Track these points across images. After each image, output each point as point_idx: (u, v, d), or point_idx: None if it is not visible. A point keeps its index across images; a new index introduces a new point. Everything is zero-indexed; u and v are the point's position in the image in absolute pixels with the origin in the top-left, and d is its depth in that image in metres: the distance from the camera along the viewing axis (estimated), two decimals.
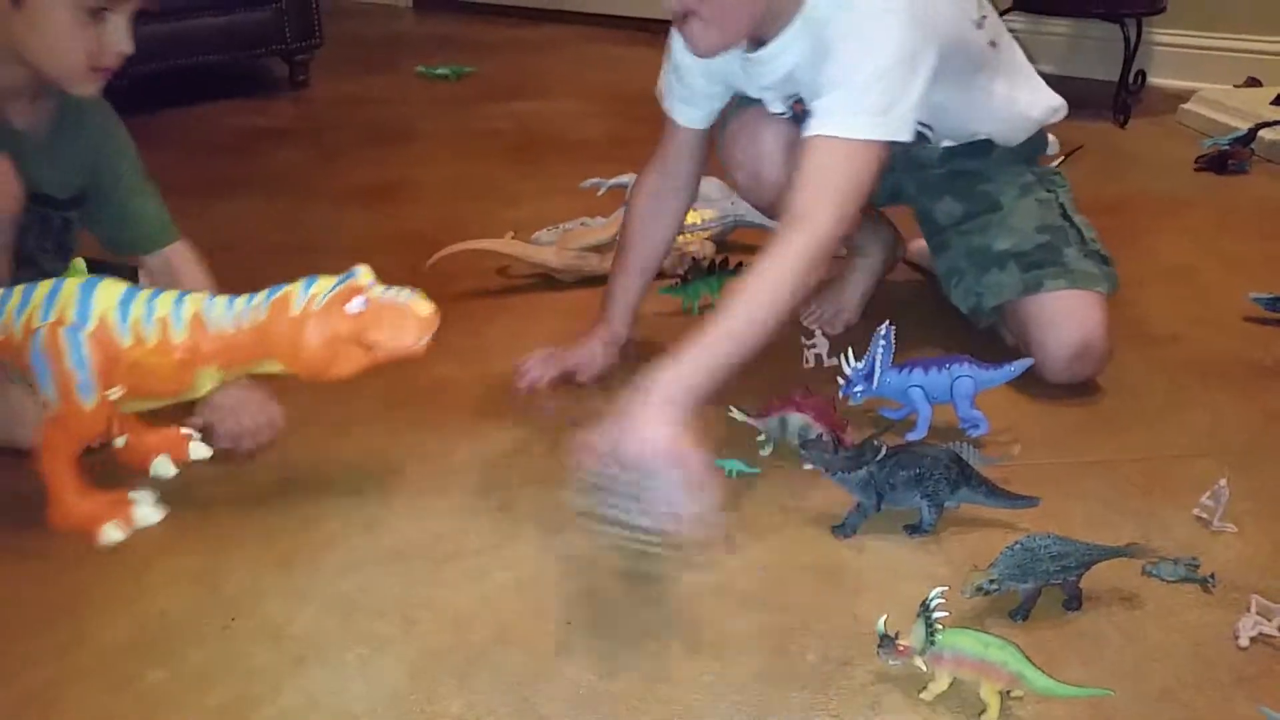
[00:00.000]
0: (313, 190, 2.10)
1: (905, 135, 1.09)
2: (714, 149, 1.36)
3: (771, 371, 1.32)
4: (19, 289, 1.02)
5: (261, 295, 1.00)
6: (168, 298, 1.01)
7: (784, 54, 1.16)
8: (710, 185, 1.65)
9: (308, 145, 2.44)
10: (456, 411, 1.26)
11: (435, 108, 2.76)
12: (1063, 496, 1.05)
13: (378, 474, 1.13)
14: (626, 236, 1.35)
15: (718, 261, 1.56)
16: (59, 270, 1.20)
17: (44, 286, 1.01)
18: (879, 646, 0.80)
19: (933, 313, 1.43)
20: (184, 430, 1.15)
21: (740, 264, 1.54)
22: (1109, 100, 2.52)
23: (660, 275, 1.55)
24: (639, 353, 1.37)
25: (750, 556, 0.99)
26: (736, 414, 1.13)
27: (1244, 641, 0.87)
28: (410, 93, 2.95)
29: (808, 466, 1.06)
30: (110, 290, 1.00)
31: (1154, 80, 2.72)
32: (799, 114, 1.23)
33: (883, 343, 1.11)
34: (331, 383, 1.00)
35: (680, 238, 1.65)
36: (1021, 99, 1.33)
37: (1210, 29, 2.71)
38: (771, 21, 1.14)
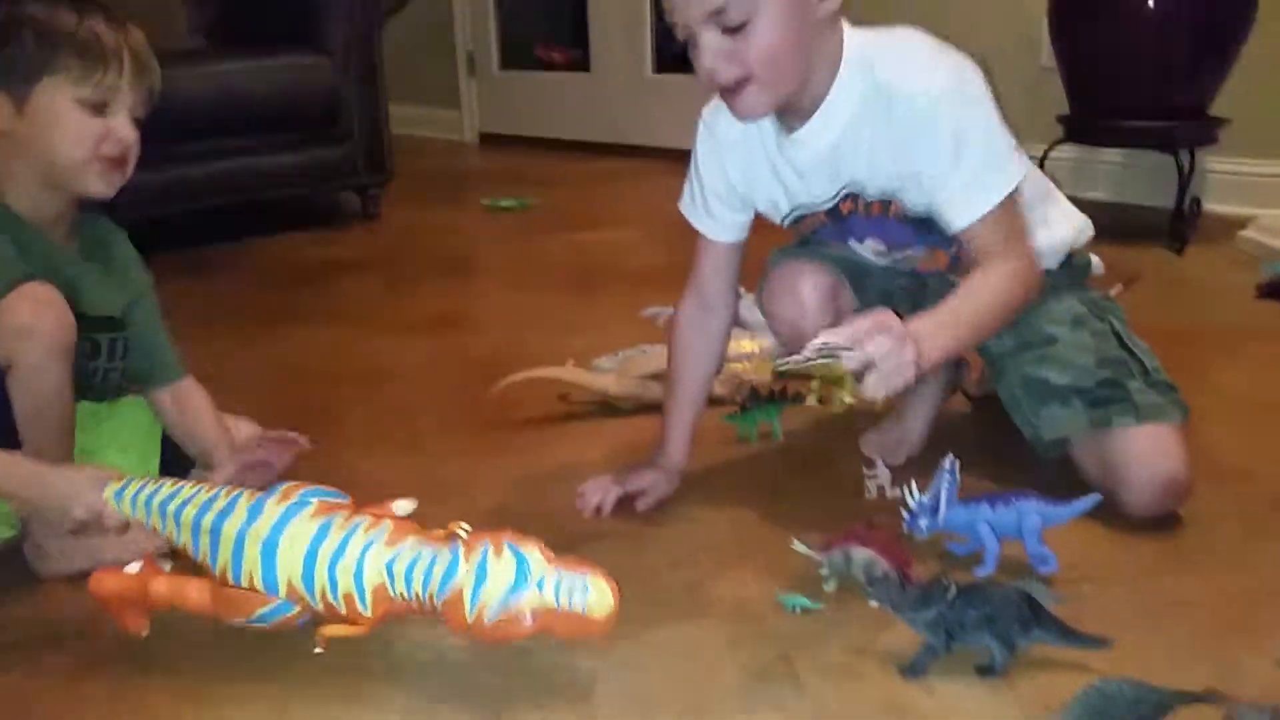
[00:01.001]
0: (380, 319, 2.17)
1: (1021, 169, 1.19)
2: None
3: (833, 502, 1.32)
4: (198, 499, 1.02)
5: (435, 579, 0.94)
6: (349, 564, 0.96)
7: (831, 122, 1.18)
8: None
9: (376, 275, 2.53)
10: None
11: (499, 238, 2.86)
12: (1137, 637, 1.02)
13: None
14: (672, 367, 1.38)
15: (776, 390, 1.57)
16: (120, 392, 1.29)
17: (225, 539, 0.99)
18: None
19: (998, 444, 1.42)
20: None
21: (799, 393, 1.55)
22: (1165, 228, 2.52)
23: (719, 402, 1.57)
24: (698, 482, 1.38)
25: (817, 696, 0.97)
26: (799, 547, 1.13)
27: None
28: (475, 224, 3.06)
29: (874, 604, 1.04)
30: (293, 548, 0.97)
31: (1210, 206, 2.72)
32: (845, 214, 1.25)
33: (948, 476, 1.11)
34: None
35: (738, 366, 1.67)
36: (1046, 225, 1.32)
37: (1265, 155, 2.72)
38: (808, 89, 1.16)
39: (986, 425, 1.48)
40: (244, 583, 0.99)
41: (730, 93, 1.13)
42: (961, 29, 3.17)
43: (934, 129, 1.14)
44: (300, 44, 2.87)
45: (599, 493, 1.32)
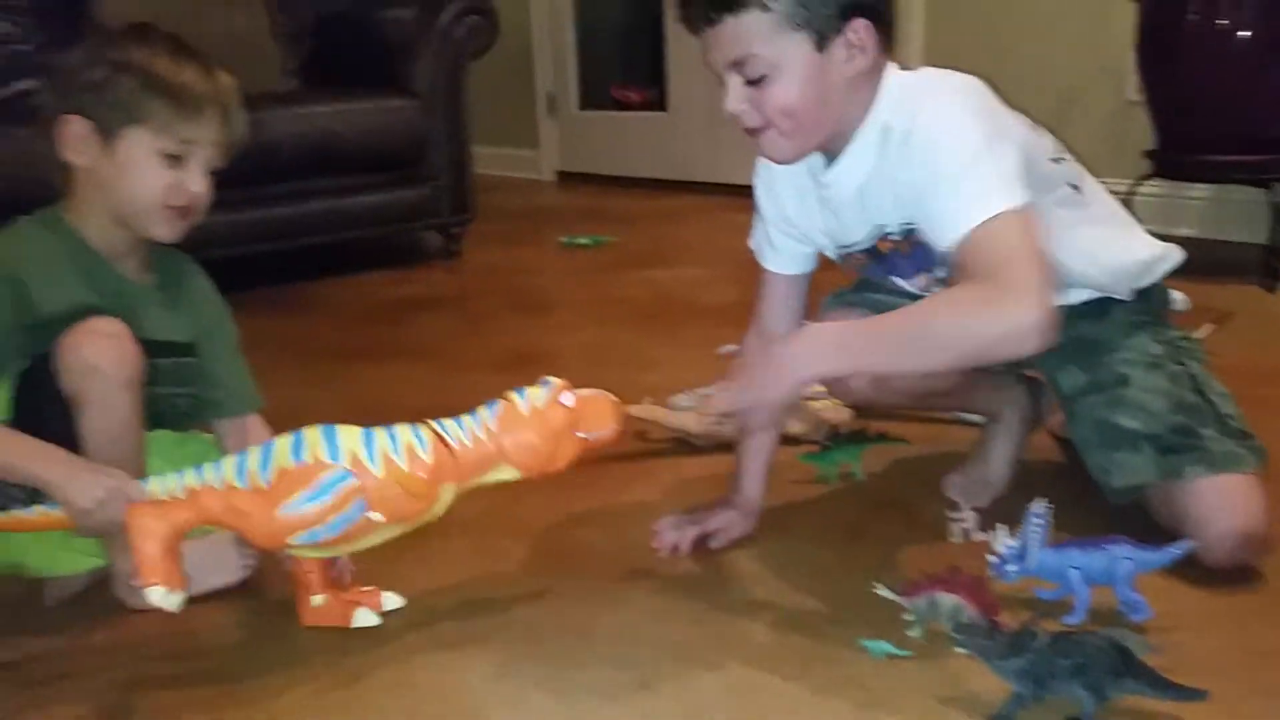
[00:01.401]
0: (461, 356, 2.20)
1: (1023, 197, 1.07)
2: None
3: (915, 546, 1.30)
4: (255, 449, 1.09)
5: (483, 411, 1.12)
6: (404, 428, 1.10)
7: (854, 168, 1.18)
8: None
9: (456, 313, 2.57)
10: (597, 578, 1.27)
11: (576, 276, 2.89)
12: (1233, 689, 0.98)
13: (522, 643, 1.14)
14: None
15: (857, 429, 1.56)
16: (190, 421, 1.33)
17: (281, 440, 1.09)
18: None
19: (1085, 487, 1.39)
20: (368, 587, 1.21)
21: (881, 432, 1.53)
22: (1255, 264, 2.45)
23: (796, 441, 1.56)
24: (776, 522, 1.37)
25: None
26: (883, 591, 1.11)
27: None
28: (553, 261, 3.09)
29: (961, 651, 1.02)
30: (350, 430, 1.09)
31: None
32: (884, 253, 1.24)
33: (1037, 520, 1.08)
34: (552, 477, 1.14)
35: (816, 404, 1.66)
36: (1115, 246, 1.30)
37: None
38: (841, 134, 1.17)
39: (1073, 467, 1.45)
40: (306, 459, 1.06)
41: (753, 135, 1.17)
42: (1042, 62, 3.14)
43: (932, 144, 1.10)
44: (388, 86, 2.95)
45: (675, 531, 1.32)
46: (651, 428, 1.69)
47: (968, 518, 1.29)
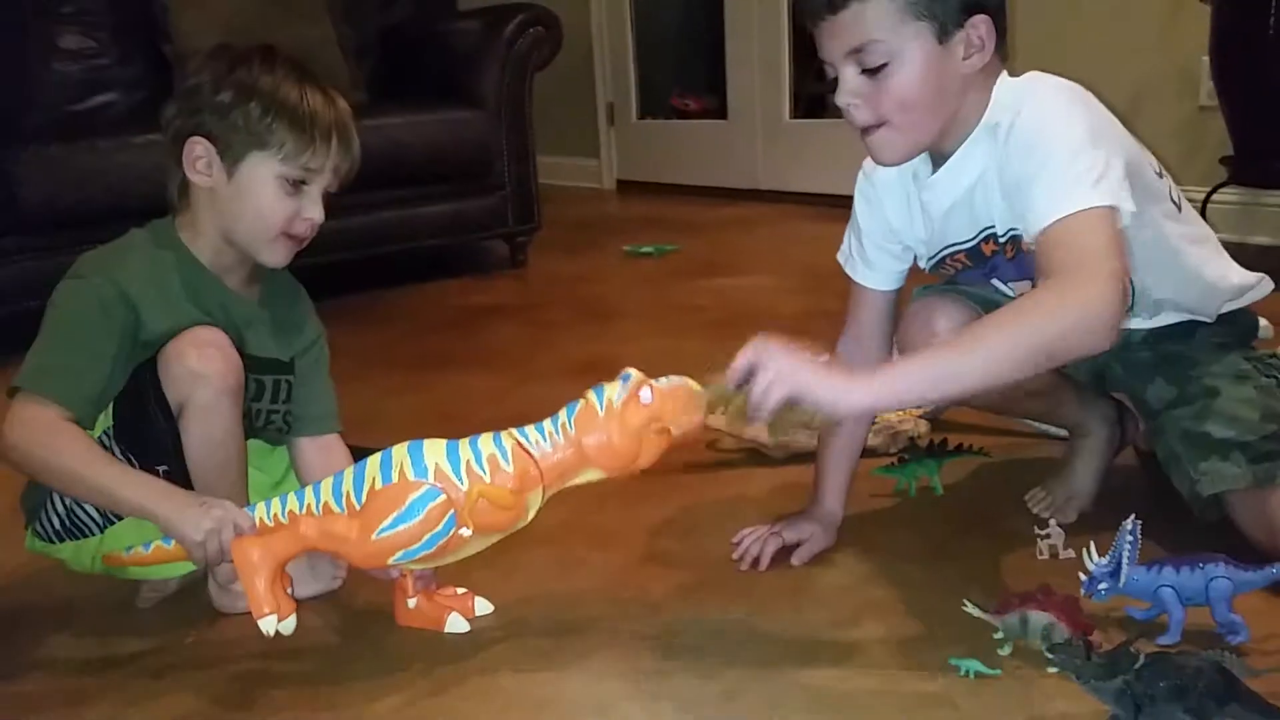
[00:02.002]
0: (527, 365, 2.22)
1: (1128, 204, 1.05)
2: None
3: (1002, 562, 1.28)
4: (349, 469, 1.11)
5: (563, 414, 1.11)
6: (487, 438, 1.11)
7: (962, 171, 1.18)
8: None
9: (523, 322, 2.59)
10: (677, 589, 1.27)
11: (640, 284, 2.90)
12: None
13: (607, 653, 1.15)
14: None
15: (935, 441, 1.54)
16: (282, 435, 1.35)
17: (372, 460, 1.10)
18: None
19: (1176, 504, 1.36)
20: (461, 590, 1.23)
21: (961, 445, 1.52)
22: None
23: (875, 454, 1.55)
24: (856, 536, 1.36)
25: None
26: (972, 609, 1.09)
27: None
28: (618, 270, 3.11)
29: (1054, 670, 1.01)
30: (435, 444, 1.11)
31: None
32: (987, 255, 1.23)
33: (1129, 538, 1.06)
34: (638, 473, 1.12)
35: (893, 416, 1.64)
36: (1212, 266, 1.29)
37: None
38: (951, 135, 1.16)
39: (1161, 485, 1.42)
40: (394, 478, 1.07)
41: (865, 134, 1.15)
42: (1113, 66, 3.10)
43: (1037, 135, 1.09)
44: (454, 98, 2.98)
45: (756, 543, 1.31)
46: (724, 437, 1.69)
47: (1055, 534, 1.27)
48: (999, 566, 1.27)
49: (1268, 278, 1.33)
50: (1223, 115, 2.55)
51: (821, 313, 2.41)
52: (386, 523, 1.07)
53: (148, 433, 1.17)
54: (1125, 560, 1.07)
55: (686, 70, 4.74)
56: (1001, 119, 1.14)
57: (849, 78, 1.11)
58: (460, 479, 1.08)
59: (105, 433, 1.19)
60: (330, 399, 1.39)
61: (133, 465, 1.17)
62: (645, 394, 1.09)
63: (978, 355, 1.01)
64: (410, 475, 1.07)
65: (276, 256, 1.27)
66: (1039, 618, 1.04)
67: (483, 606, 1.23)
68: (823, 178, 3.86)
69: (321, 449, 1.36)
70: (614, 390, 1.09)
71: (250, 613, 1.20)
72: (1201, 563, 1.08)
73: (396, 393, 2.08)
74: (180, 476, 1.17)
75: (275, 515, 1.11)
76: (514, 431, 1.12)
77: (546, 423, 1.12)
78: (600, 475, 1.12)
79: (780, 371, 1.03)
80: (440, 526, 1.07)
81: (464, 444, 1.11)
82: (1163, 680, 0.92)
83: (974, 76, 1.13)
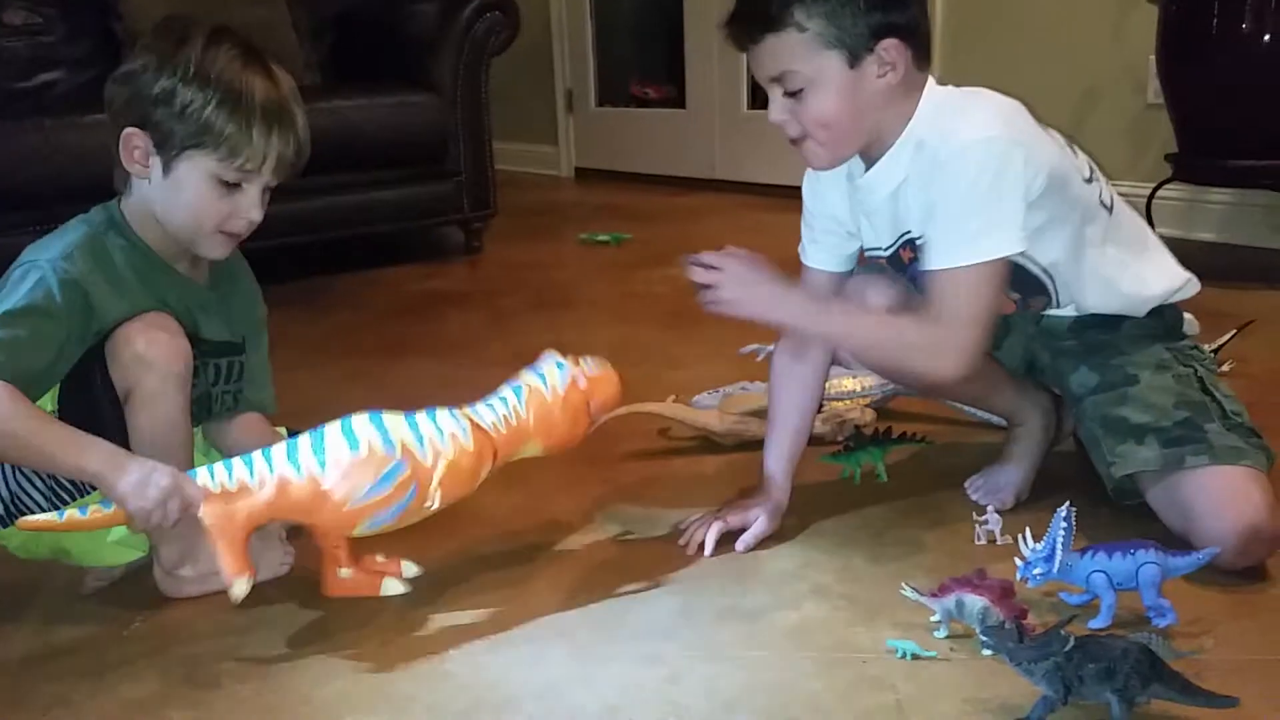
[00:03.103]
0: (481, 352, 2.22)
1: (1015, 248, 1.20)
2: None
3: (941, 547, 1.31)
4: (304, 438, 1.14)
5: (509, 394, 1.24)
6: (444, 414, 1.19)
7: (887, 176, 1.26)
8: None
9: (479, 308, 2.59)
10: (624, 574, 1.29)
11: (597, 273, 2.90)
12: (1264, 696, 0.99)
13: (552, 637, 1.16)
14: (772, 401, 1.41)
15: (880, 430, 1.57)
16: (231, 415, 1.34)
17: (330, 428, 1.14)
18: None
19: (1110, 495, 1.40)
20: (381, 558, 1.26)
21: (905, 433, 1.54)
22: (1277, 268, 2.45)
23: (820, 441, 1.58)
24: (801, 523, 1.38)
25: None
26: (909, 593, 1.12)
27: None
28: (574, 258, 3.11)
29: (987, 653, 1.04)
30: (395, 417, 1.17)
31: None
32: (905, 263, 1.30)
33: (1063, 524, 1.09)
34: (570, 449, 1.29)
35: (840, 405, 1.67)
36: (1137, 270, 1.34)
37: None
38: (878, 142, 1.25)
39: (1094, 472, 1.46)
40: (361, 451, 1.13)
41: (795, 144, 1.26)
42: (1064, 65, 3.15)
43: (955, 169, 1.19)
44: (410, 82, 2.97)
45: (701, 529, 1.33)
46: (674, 426, 1.70)
47: (992, 520, 1.30)
48: (938, 551, 1.30)
49: (1195, 279, 1.38)
50: (1168, 113, 2.60)
51: None
52: (360, 493, 1.13)
53: (93, 415, 1.15)
54: (1059, 546, 1.09)
55: (646, 58, 4.74)
56: (927, 136, 1.22)
57: (775, 98, 1.23)
58: (425, 453, 1.15)
59: (50, 414, 1.17)
60: (267, 380, 1.39)
61: None
62: (580, 380, 1.25)
63: (850, 330, 1.28)
64: (380, 449, 1.14)
65: (214, 251, 1.25)
66: (974, 601, 1.07)
67: (410, 569, 1.26)
68: (778, 168, 3.88)
69: (243, 425, 1.35)
70: (554, 375, 1.25)
71: (194, 597, 1.21)
72: (1132, 549, 1.11)
73: (349, 379, 2.07)
74: None
75: (223, 483, 1.10)
76: (468, 409, 1.22)
77: (496, 402, 1.24)
78: (539, 450, 1.26)
79: (736, 296, 1.22)
80: (405, 496, 1.14)
81: (423, 419, 1.18)
82: (1091, 662, 0.94)
83: (892, 91, 1.21)
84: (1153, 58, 2.63)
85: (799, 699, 1.03)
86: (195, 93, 1.17)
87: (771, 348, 1.89)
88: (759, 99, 4.14)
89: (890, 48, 1.19)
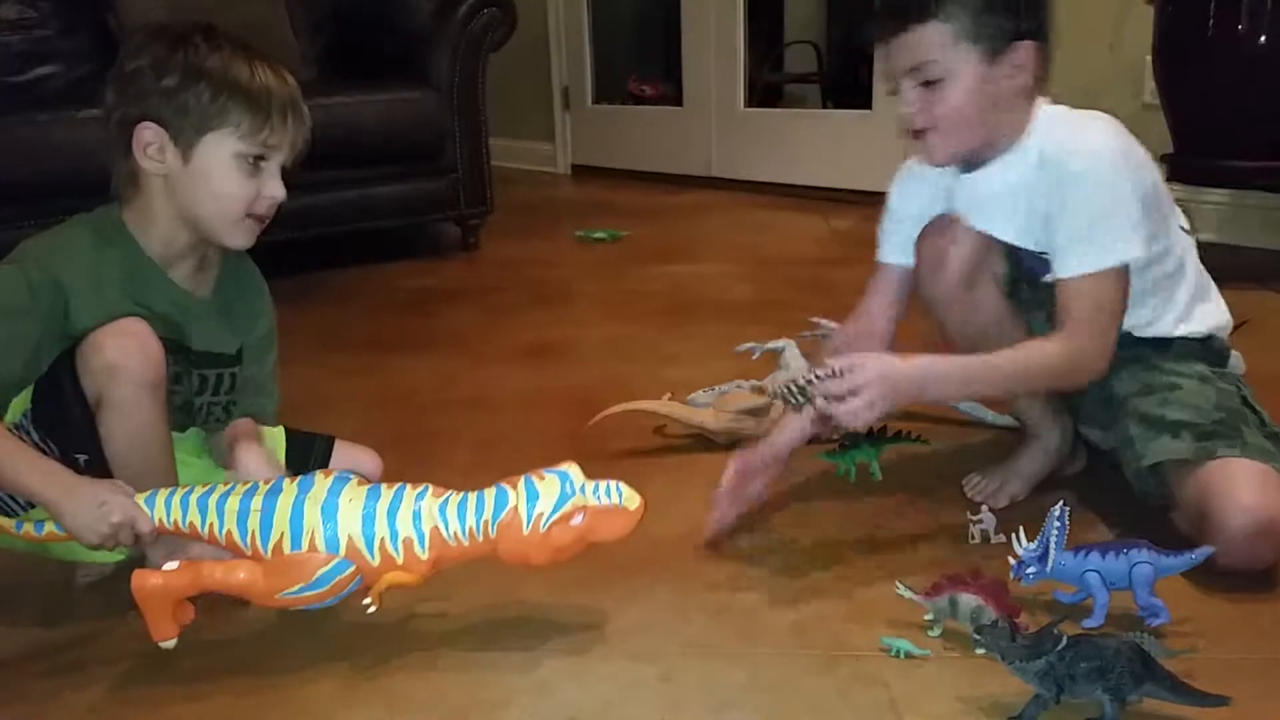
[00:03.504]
0: (480, 348, 2.22)
1: (1141, 252, 1.25)
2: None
3: (936, 547, 1.31)
4: (254, 508, 1.07)
5: (489, 507, 1.08)
6: (406, 514, 1.08)
7: (998, 177, 1.31)
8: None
9: (476, 305, 2.59)
10: (619, 572, 1.29)
11: (593, 270, 2.90)
12: (1256, 696, 1.00)
13: (545, 634, 1.16)
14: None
15: (875, 428, 1.57)
16: (224, 425, 1.31)
17: (283, 502, 1.06)
18: None
19: (1106, 493, 1.40)
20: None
21: (900, 432, 1.55)
22: (1273, 270, 2.45)
23: (818, 440, 1.58)
24: (797, 520, 1.39)
25: None
26: (903, 591, 1.12)
27: None
28: (570, 255, 3.11)
29: (980, 651, 1.04)
30: (351, 508, 1.07)
31: None
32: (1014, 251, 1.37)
33: (1056, 524, 1.09)
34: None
35: None
36: (1198, 310, 1.39)
37: None
38: (990, 145, 1.30)
39: (1095, 474, 1.46)
40: (304, 546, 1.05)
41: (918, 136, 1.30)
42: (1060, 65, 3.12)
43: (1083, 180, 1.24)
44: (407, 78, 2.96)
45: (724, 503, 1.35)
46: (670, 424, 1.70)
47: (986, 519, 1.31)
48: (932, 550, 1.30)
49: (1230, 320, 1.43)
50: (1164, 114, 2.60)
51: (770, 301, 2.45)
52: (291, 589, 1.07)
53: (64, 421, 1.13)
54: (1053, 545, 1.10)
55: (643, 56, 4.74)
56: (1047, 148, 1.27)
57: (908, 89, 1.27)
58: (372, 555, 1.07)
59: (24, 415, 1.15)
60: (268, 398, 1.36)
61: (51, 452, 1.13)
62: (576, 520, 1.08)
63: (999, 380, 1.30)
64: (321, 546, 1.06)
65: (240, 239, 1.24)
66: (968, 600, 1.07)
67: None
68: (775, 167, 3.89)
69: (234, 430, 1.31)
70: (546, 506, 1.07)
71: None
72: (1125, 548, 1.11)
73: (345, 374, 2.07)
74: (99, 465, 1.14)
75: (175, 521, 1.08)
76: (435, 512, 1.08)
77: (470, 512, 1.08)
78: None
79: (876, 397, 1.19)
80: (346, 589, 1.08)
81: (381, 516, 1.07)
82: (1084, 661, 0.95)
83: (1017, 94, 1.27)
84: (1149, 58, 2.63)
85: (793, 697, 1.03)
86: (205, 84, 1.17)
87: (766, 346, 1.91)
88: (755, 97, 4.15)
89: (1026, 51, 1.24)
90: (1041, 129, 1.29)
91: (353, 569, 1.07)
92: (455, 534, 1.08)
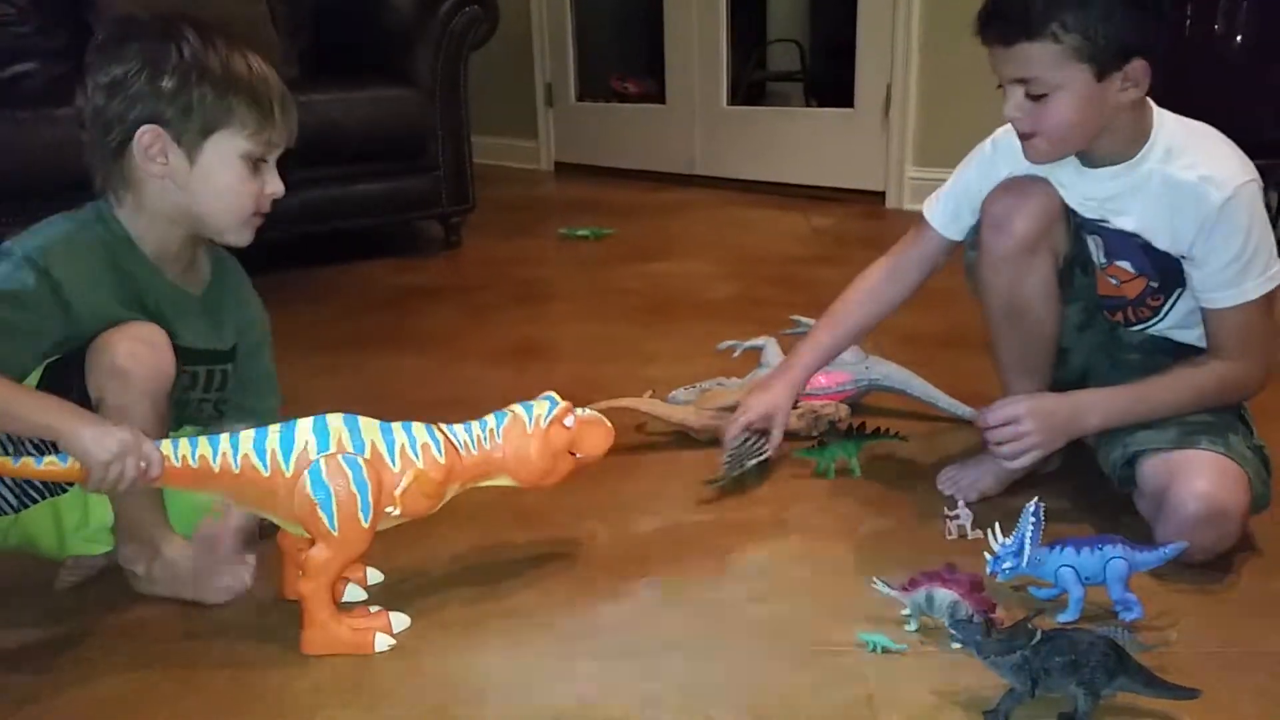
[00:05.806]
0: (462, 346, 2.22)
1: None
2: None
3: (913, 543, 1.32)
4: (274, 427, 1.10)
5: (491, 421, 1.19)
6: (419, 427, 1.15)
7: (1110, 181, 1.29)
8: (846, 351, 1.69)
9: (458, 303, 2.58)
10: (599, 568, 1.29)
11: (576, 268, 2.90)
12: (1226, 688, 1.01)
13: (527, 630, 1.16)
14: (836, 304, 1.51)
15: (855, 425, 1.58)
16: (214, 424, 1.31)
17: (303, 425, 1.11)
18: None
19: (1081, 488, 1.42)
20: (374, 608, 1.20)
21: (879, 429, 1.56)
22: None
23: (797, 436, 1.59)
24: (775, 516, 1.39)
25: None
26: (880, 586, 1.13)
27: None
28: (552, 253, 3.11)
29: (956, 646, 1.05)
30: (371, 423, 1.13)
31: None
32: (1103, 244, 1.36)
33: (1032, 519, 1.10)
34: (545, 489, 1.22)
35: (814, 401, 1.68)
36: None
37: None
38: (1104, 151, 1.28)
39: (1071, 472, 1.47)
40: (331, 448, 1.09)
41: (1022, 138, 1.29)
42: None
43: (1223, 219, 1.22)
44: (389, 76, 2.95)
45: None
46: (651, 421, 1.71)
47: (963, 515, 1.32)
48: (909, 546, 1.31)
49: None
50: None
51: (752, 299, 2.46)
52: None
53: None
54: (1028, 541, 1.11)
55: (626, 53, 4.74)
56: (1176, 169, 1.24)
57: (1014, 95, 1.24)
58: (394, 460, 1.12)
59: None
60: (267, 393, 1.37)
61: (49, 449, 1.09)
62: (569, 420, 1.20)
63: (1172, 403, 1.29)
64: (347, 445, 1.10)
65: (245, 237, 1.24)
66: (944, 595, 1.08)
67: (374, 576, 1.25)
68: (758, 164, 3.90)
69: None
70: (542, 410, 1.20)
71: (169, 596, 1.20)
72: (1100, 544, 1.13)
73: (326, 372, 2.07)
74: None
75: (185, 456, 1.08)
76: (444, 427, 1.17)
77: (475, 425, 1.19)
78: (510, 483, 1.20)
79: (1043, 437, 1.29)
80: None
81: (398, 427, 1.15)
82: (1058, 655, 0.96)
83: (1128, 107, 1.24)
84: None
85: (772, 692, 1.04)
86: (210, 77, 1.15)
87: (747, 344, 1.92)
88: (739, 94, 4.15)
89: (1138, 68, 1.21)
90: (1160, 141, 1.25)
91: (370, 471, 1.10)
92: (465, 443, 1.17)
